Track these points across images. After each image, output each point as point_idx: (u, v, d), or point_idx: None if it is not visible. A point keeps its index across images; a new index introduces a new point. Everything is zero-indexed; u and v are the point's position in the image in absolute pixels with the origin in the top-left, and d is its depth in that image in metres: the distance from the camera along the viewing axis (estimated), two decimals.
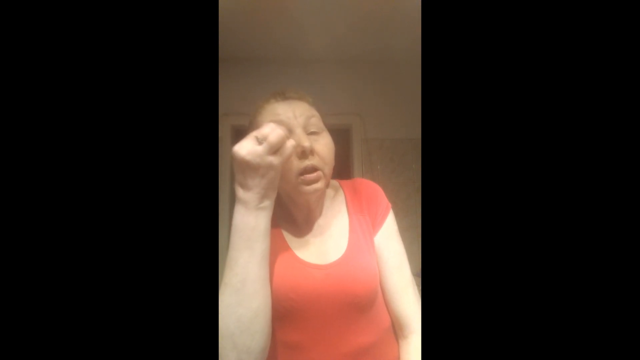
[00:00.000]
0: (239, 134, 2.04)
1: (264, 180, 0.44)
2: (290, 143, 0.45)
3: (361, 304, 0.51)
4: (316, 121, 0.54)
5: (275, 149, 0.43)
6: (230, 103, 1.91)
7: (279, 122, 0.50)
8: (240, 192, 0.44)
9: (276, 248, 0.53)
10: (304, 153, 0.49)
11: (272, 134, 0.42)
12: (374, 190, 0.62)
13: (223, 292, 0.43)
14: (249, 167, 0.42)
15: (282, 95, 0.55)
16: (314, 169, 0.50)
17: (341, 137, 2.01)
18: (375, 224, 0.58)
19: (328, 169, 0.53)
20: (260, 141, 0.43)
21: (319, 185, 0.51)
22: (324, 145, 0.53)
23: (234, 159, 0.43)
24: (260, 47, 1.89)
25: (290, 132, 0.51)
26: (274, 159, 0.43)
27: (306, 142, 0.49)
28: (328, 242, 0.55)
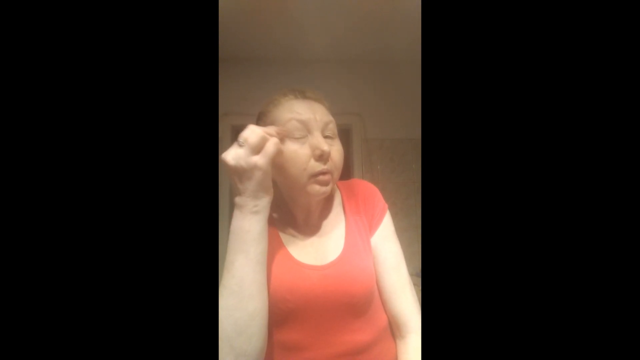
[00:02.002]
0: (239, 134, 2.04)
1: (253, 182, 0.44)
2: (273, 141, 0.45)
3: (358, 304, 0.51)
4: (332, 127, 0.54)
5: (258, 149, 0.44)
6: (230, 103, 1.91)
7: (299, 121, 0.51)
8: (235, 198, 0.46)
9: (273, 249, 0.53)
10: (322, 157, 0.50)
11: (251, 135, 0.44)
12: (371, 191, 0.62)
13: (221, 294, 0.44)
14: (235, 171, 0.44)
15: (302, 93, 0.55)
16: (328, 172, 0.51)
17: (341, 137, 2.00)
18: (372, 225, 0.58)
19: (337, 174, 0.54)
20: (241, 144, 0.44)
21: (328, 188, 0.52)
22: (336, 151, 0.53)
23: (224, 166, 0.44)
24: (260, 47, 1.89)
25: (308, 132, 0.51)
26: (258, 159, 0.44)
27: (325, 146, 0.49)
28: (325, 243, 0.55)
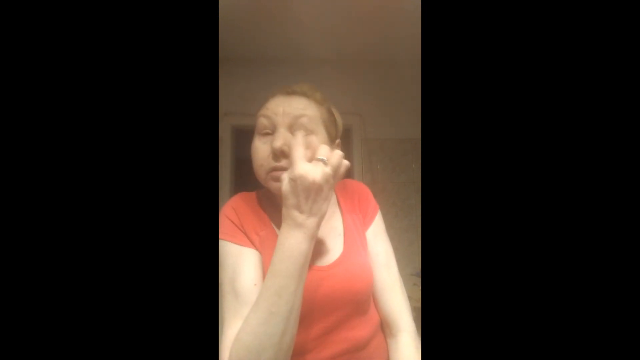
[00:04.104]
0: (239, 134, 2.04)
1: (326, 204, 0.44)
2: (344, 163, 0.46)
3: (361, 300, 0.52)
4: (306, 121, 0.50)
5: (335, 172, 0.44)
6: (230, 103, 1.91)
7: (265, 117, 0.51)
8: (300, 218, 0.43)
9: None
10: (274, 154, 0.49)
11: (334, 156, 0.44)
12: (364, 189, 0.64)
13: (267, 321, 0.40)
14: (317, 189, 0.42)
15: (288, 89, 0.55)
16: (282, 169, 0.48)
17: (341, 137, 2.00)
18: (365, 222, 0.60)
19: None
20: (325, 162, 0.43)
21: None
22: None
23: (298, 181, 0.42)
24: (260, 47, 1.89)
25: (273, 129, 0.51)
26: (333, 182, 0.44)
27: (277, 144, 0.48)
28: (325, 243, 0.55)
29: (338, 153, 0.45)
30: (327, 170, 0.43)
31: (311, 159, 0.46)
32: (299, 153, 0.44)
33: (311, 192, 0.42)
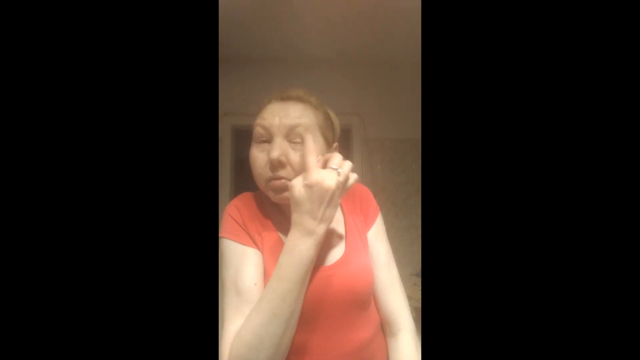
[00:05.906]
0: (239, 134, 2.04)
1: (335, 211, 0.46)
2: (353, 177, 0.48)
3: (362, 300, 0.52)
4: (302, 130, 0.50)
5: (346, 180, 0.46)
6: (230, 103, 1.91)
7: (262, 126, 0.51)
8: (312, 224, 0.44)
9: (277, 254, 0.53)
10: (272, 164, 0.49)
11: (346, 165, 0.47)
12: (365, 191, 0.65)
13: (269, 322, 0.42)
14: (333, 198, 0.44)
15: (282, 94, 0.54)
16: (281, 178, 0.50)
17: (341, 137, 2.00)
18: (367, 223, 0.60)
19: None
20: (339, 172, 0.45)
21: (283, 195, 0.51)
22: (301, 157, 0.50)
23: (315, 188, 0.43)
24: (260, 47, 1.89)
25: (270, 137, 0.51)
26: (342, 191, 0.46)
27: (274, 153, 0.48)
28: (327, 243, 0.55)
29: (349, 164, 0.47)
30: (340, 178, 0.45)
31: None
32: (312, 159, 0.45)
33: (325, 199, 0.44)
